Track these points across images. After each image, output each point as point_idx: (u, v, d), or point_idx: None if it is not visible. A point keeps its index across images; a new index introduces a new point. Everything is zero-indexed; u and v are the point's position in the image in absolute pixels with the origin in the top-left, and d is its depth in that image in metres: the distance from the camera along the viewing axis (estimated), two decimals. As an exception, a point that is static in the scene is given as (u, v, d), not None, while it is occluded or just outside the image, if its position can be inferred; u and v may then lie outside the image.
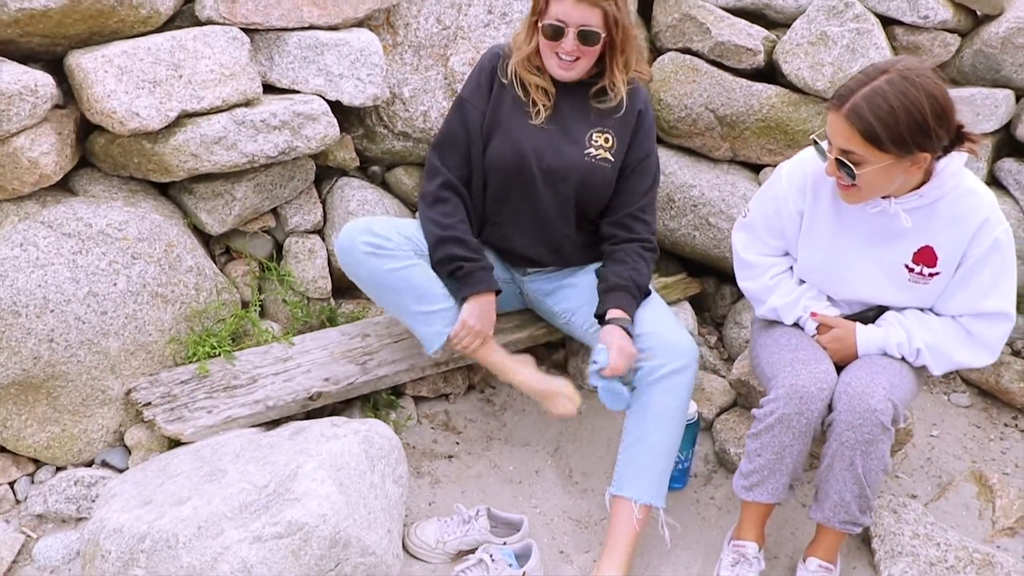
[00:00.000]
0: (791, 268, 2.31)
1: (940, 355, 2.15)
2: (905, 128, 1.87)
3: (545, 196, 2.43)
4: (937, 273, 2.11)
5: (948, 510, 2.53)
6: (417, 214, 2.52)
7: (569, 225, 2.48)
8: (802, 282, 2.29)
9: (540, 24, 2.27)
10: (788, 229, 2.24)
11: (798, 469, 2.15)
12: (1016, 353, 3.04)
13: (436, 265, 2.38)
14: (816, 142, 2.05)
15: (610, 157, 2.41)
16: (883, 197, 2.06)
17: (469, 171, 2.45)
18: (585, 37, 2.23)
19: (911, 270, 2.13)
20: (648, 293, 2.43)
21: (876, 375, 2.06)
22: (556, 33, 2.24)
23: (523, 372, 2.42)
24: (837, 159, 1.97)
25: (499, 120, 2.40)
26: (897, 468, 2.67)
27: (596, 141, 2.39)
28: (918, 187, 2.04)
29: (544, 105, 2.37)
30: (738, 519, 2.27)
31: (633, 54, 2.36)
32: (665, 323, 2.36)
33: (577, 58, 2.28)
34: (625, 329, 2.27)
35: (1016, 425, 2.92)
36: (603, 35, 2.25)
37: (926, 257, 2.11)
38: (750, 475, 2.16)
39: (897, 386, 2.07)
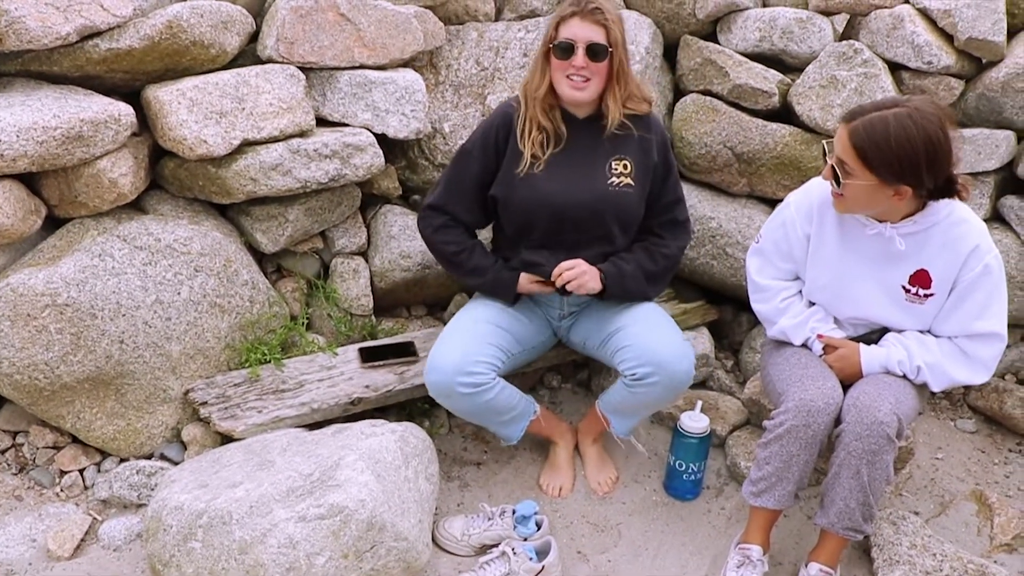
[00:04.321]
0: (800, 292, 2.49)
1: (939, 373, 2.30)
2: (895, 158, 2.06)
3: (580, 230, 2.55)
4: (932, 295, 2.28)
5: (948, 526, 2.66)
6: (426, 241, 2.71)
7: (612, 245, 2.60)
8: (811, 305, 2.47)
9: (551, 46, 2.43)
10: (796, 252, 2.42)
11: (804, 479, 2.30)
12: (1021, 381, 3.17)
13: (469, 274, 2.62)
14: (825, 147, 2.28)
15: (631, 182, 2.54)
16: (880, 221, 2.24)
17: (478, 218, 2.65)
18: (594, 52, 2.39)
19: (908, 291, 2.30)
20: (656, 283, 2.66)
21: (882, 391, 2.22)
22: (567, 51, 2.40)
23: (561, 442, 2.81)
24: (833, 165, 2.17)
25: (514, 173, 2.52)
26: (901, 487, 2.80)
27: (616, 169, 2.54)
28: (912, 214, 2.23)
29: (542, 154, 2.50)
30: (746, 525, 2.43)
31: (630, 83, 2.50)
32: (656, 335, 2.50)
33: (587, 79, 2.43)
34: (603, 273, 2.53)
35: (1020, 451, 3.03)
36: (609, 50, 2.40)
37: (921, 279, 2.28)
38: (759, 482, 2.32)
39: (902, 402, 2.22)
